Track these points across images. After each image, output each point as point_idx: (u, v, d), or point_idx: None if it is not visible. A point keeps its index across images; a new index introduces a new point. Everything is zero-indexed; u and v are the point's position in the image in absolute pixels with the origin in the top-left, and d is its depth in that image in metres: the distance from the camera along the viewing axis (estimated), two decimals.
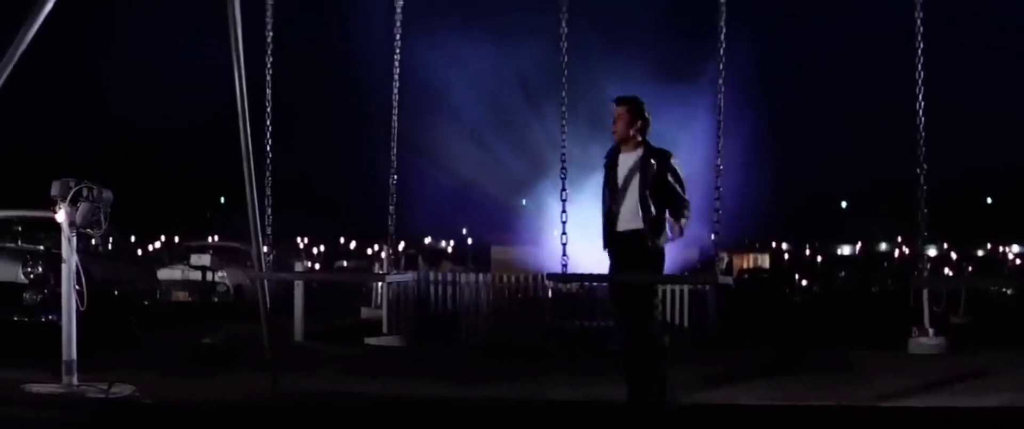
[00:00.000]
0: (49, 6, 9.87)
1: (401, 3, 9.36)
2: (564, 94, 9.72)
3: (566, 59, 9.71)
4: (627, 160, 11.27)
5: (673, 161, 11.25)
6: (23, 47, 9.88)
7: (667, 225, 11.08)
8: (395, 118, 9.02)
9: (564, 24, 9.40)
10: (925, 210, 7.64)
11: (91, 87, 70.42)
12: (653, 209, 11.08)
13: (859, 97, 73.41)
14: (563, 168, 9.80)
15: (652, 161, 11.15)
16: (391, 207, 9.03)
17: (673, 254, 25.37)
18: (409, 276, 19.14)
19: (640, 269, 11.15)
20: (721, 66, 8.28)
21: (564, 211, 9.77)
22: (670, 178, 11.17)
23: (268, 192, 9.90)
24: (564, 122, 9.73)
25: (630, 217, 11.21)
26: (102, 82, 69.92)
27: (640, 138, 11.28)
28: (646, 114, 11.32)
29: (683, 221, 11.12)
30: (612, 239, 11.22)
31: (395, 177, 8.97)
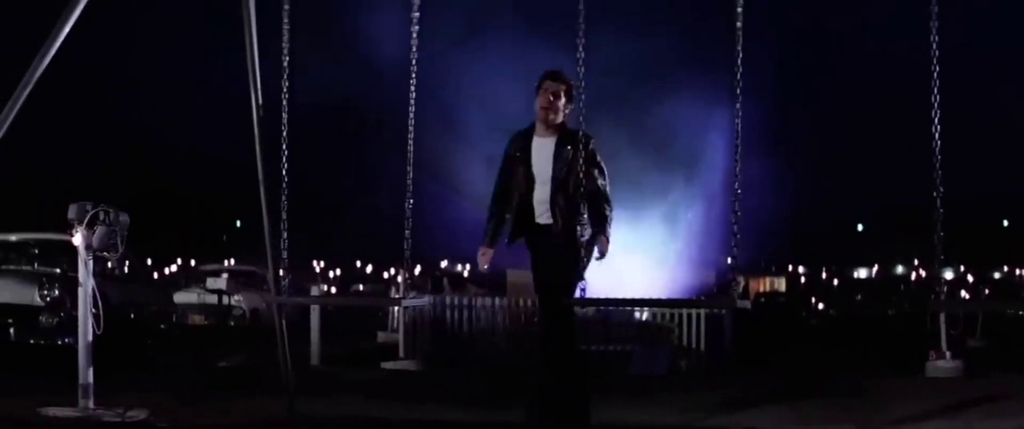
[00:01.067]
0: (67, 28, 9.90)
1: (417, 28, 9.38)
2: (581, 118, 9.71)
3: (583, 85, 9.70)
4: (545, 145, 10.32)
5: (594, 145, 10.28)
6: (40, 70, 9.91)
7: (596, 243, 10.17)
8: (411, 142, 9.04)
9: (581, 49, 9.39)
10: (941, 233, 7.62)
11: (108, 110, 70.60)
12: (565, 202, 10.14)
13: (874, 120, 73.33)
14: (581, 192, 9.77)
15: (568, 147, 10.20)
16: (407, 231, 9.03)
17: (689, 277, 25.39)
18: (425, 300, 19.13)
19: (560, 267, 10.14)
20: (738, 90, 8.27)
21: (581, 235, 9.74)
22: (595, 171, 10.27)
23: (284, 216, 9.90)
24: (581, 147, 9.71)
25: (546, 210, 10.31)
26: (119, 105, 70.10)
27: (561, 121, 10.35)
28: (573, 99, 10.38)
29: (609, 226, 10.26)
30: (531, 231, 10.37)
31: (411, 201, 8.97)
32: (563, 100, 10.27)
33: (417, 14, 9.39)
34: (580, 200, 10.02)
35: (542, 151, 10.26)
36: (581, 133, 10.10)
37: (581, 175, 10.00)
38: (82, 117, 67.22)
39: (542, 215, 10.26)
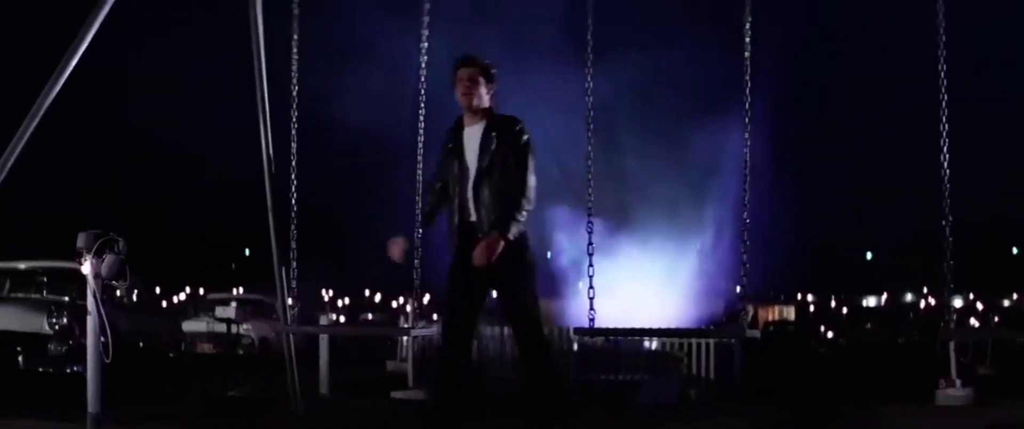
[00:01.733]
0: (77, 57, 9.93)
1: (426, 58, 9.40)
2: (590, 148, 9.72)
3: (592, 114, 9.71)
4: (474, 134, 9.45)
5: (518, 129, 9.37)
6: (50, 98, 9.93)
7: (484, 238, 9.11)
8: (420, 171, 9.04)
9: (589, 79, 9.41)
10: (951, 261, 7.62)
11: (119, 139, 70.76)
12: (490, 197, 9.26)
13: (883, 148, 73.34)
14: (590, 222, 9.76)
15: (493, 135, 9.33)
16: (416, 260, 9.02)
17: (699, 305, 25.36)
18: (434, 330, 19.14)
19: (507, 273, 9.23)
20: (747, 120, 8.28)
21: (591, 265, 9.70)
22: (514, 160, 9.29)
23: (293, 245, 9.91)
24: (590, 177, 9.71)
25: (487, 211, 9.34)
26: (128, 134, 70.24)
27: (487, 106, 9.48)
28: (494, 79, 9.55)
29: (513, 224, 9.10)
30: (463, 231, 9.36)
31: (420, 231, 8.96)
32: (483, 84, 9.43)
33: (426, 44, 9.41)
34: (504, 198, 9.17)
35: (471, 141, 9.41)
36: (509, 119, 9.40)
37: (503, 166, 9.20)
38: (93, 145, 67.40)
39: (471, 212, 9.37)
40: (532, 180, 9.21)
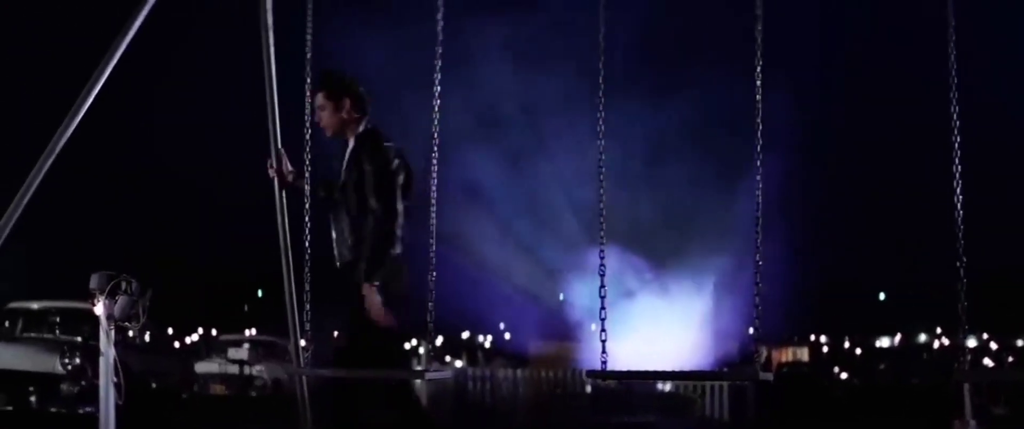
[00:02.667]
0: (90, 101, 9.94)
1: (439, 101, 9.40)
2: (602, 190, 9.68)
3: (603, 157, 9.69)
4: (345, 158, 8.55)
5: (373, 146, 8.38)
6: (63, 140, 9.95)
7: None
8: (433, 214, 9.03)
9: (601, 123, 9.39)
10: (965, 302, 7.59)
11: (130, 180, 70.93)
12: (349, 229, 8.39)
13: (896, 187, 73.27)
14: (602, 265, 9.72)
15: (357, 157, 8.41)
16: (430, 304, 8.99)
17: (712, 347, 25.34)
18: (449, 373, 19.11)
19: (364, 331, 8.34)
20: (758, 161, 8.27)
21: (603, 308, 9.66)
22: (365, 182, 8.31)
23: (307, 287, 9.91)
24: (602, 218, 9.68)
25: (341, 243, 8.54)
26: (141, 175, 70.41)
27: (349, 126, 8.56)
28: (356, 89, 8.61)
29: (375, 273, 8.13)
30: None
31: (434, 274, 8.95)
32: (329, 108, 8.53)
33: (438, 88, 9.41)
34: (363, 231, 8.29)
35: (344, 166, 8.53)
36: (366, 134, 8.52)
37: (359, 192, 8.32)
38: (104, 185, 67.56)
39: (342, 253, 8.53)
40: (383, 206, 8.28)
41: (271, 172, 9.08)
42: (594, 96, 9.00)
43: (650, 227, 25.87)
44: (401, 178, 8.41)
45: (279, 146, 9.19)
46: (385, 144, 8.46)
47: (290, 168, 9.04)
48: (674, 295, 25.96)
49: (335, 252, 8.53)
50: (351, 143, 8.51)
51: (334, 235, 8.53)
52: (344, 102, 8.50)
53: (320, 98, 8.54)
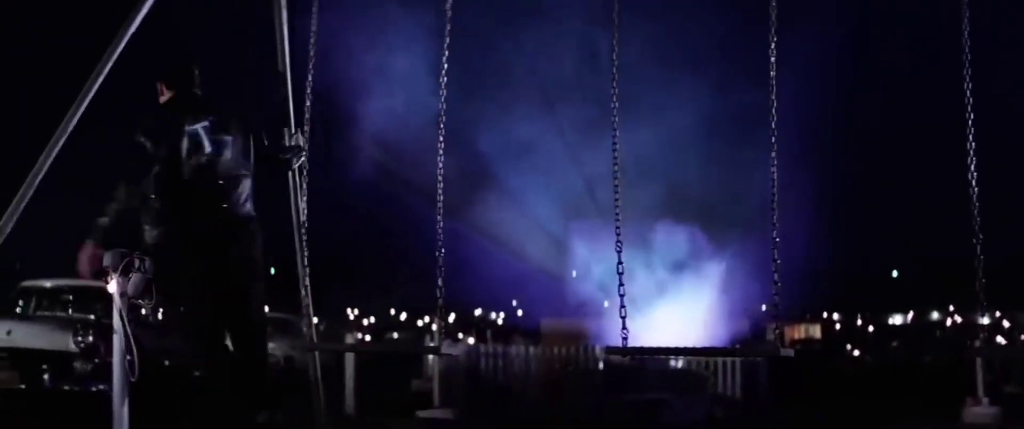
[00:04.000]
0: (103, 75, 9.95)
1: (445, 79, 9.36)
2: (615, 169, 9.62)
3: (617, 137, 9.64)
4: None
5: None
6: (77, 117, 9.96)
7: None
8: (440, 191, 9.01)
9: (615, 100, 9.35)
10: (983, 279, 7.56)
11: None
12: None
13: (909, 165, 73.11)
14: (618, 241, 9.68)
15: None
16: (439, 280, 8.97)
17: (724, 325, 25.29)
18: (461, 349, 19.10)
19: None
20: (772, 139, 8.23)
21: (621, 284, 9.61)
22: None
23: (304, 264, 9.91)
24: (617, 197, 9.63)
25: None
26: None
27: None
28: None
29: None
30: None
31: (441, 250, 8.93)
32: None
33: (446, 66, 9.37)
34: None
35: None
36: None
37: None
38: (116, 164, 67.53)
39: None
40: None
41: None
42: (607, 71, 8.98)
43: (663, 204, 25.80)
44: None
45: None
46: None
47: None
48: (686, 273, 25.92)
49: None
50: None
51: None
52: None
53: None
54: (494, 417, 19.45)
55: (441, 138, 9.19)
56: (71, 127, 9.93)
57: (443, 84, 9.33)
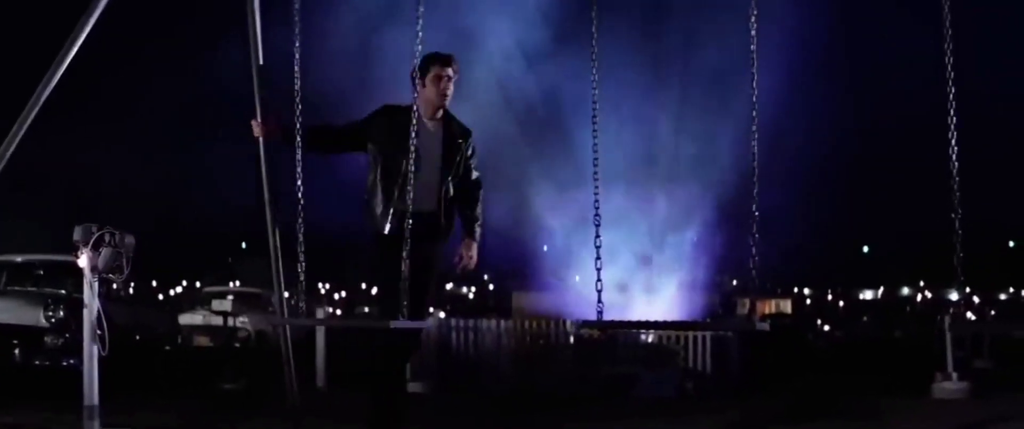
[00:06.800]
0: (77, 46, 9.87)
1: (419, 47, 9.30)
2: (595, 141, 9.56)
3: (597, 109, 9.58)
4: (435, 131, 9.56)
5: (472, 139, 9.79)
6: (49, 89, 9.88)
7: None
8: (411, 163, 8.97)
9: (595, 73, 9.30)
10: (961, 254, 7.55)
11: (117, 132, 70.73)
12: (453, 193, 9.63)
13: (881, 141, 73.36)
14: (597, 215, 9.62)
15: (459, 141, 9.66)
16: (404, 252, 8.92)
17: (694, 299, 25.30)
18: (425, 323, 19.05)
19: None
20: (754, 113, 8.19)
21: (598, 257, 9.56)
22: (473, 161, 9.77)
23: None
24: (596, 169, 9.57)
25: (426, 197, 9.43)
26: (127, 126, 70.20)
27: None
28: None
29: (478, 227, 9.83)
30: (414, 218, 8.95)
31: (409, 222, 8.89)
32: (453, 82, 9.60)
33: (421, 32, 9.31)
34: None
35: (432, 139, 9.54)
36: (466, 127, 9.74)
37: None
38: (90, 137, 67.34)
39: (427, 203, 9.50)
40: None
41: (256, 128, 9.71)
42: (588, 49, 8.93)
43: (638, 178, 25.77)
44: None
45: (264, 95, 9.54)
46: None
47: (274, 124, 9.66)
48: (656, 246, 25.94)
49: (431, 210, 9.46)
50: (442, 122, 9.55)
51: (434, 196, 9.50)
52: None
53: (454, 73, 9.51)
54: (466, 391, 19.44)
55: (415, 114, 9.14)
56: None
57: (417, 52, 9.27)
